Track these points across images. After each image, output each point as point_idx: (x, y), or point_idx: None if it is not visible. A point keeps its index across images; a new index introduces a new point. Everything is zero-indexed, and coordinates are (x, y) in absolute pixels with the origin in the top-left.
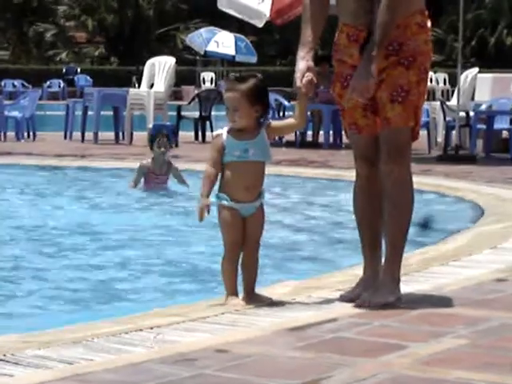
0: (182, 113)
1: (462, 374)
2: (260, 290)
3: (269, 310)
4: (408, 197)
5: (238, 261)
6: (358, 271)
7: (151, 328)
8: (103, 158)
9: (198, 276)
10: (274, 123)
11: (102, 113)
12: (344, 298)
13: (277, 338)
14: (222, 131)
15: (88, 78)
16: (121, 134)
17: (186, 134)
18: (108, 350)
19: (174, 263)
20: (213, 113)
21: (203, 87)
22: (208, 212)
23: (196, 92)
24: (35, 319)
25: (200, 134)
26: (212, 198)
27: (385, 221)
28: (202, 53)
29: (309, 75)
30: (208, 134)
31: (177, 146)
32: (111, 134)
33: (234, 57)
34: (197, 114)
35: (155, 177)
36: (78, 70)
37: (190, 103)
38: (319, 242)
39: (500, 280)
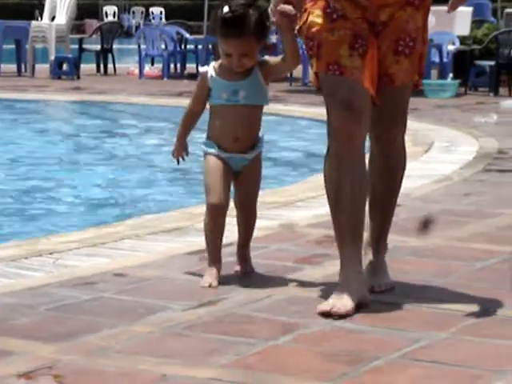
0: (84, 45)
1: None
2: (159, 215)
3: (167, 236)
4: (405, 163)
5: (221, 228)
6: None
7: (50, 253)
8: (6, 90)
9: (102, 202)
10: (272, 60)
11: (4, 46)
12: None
13: (175, 261)
14: (208, 68)
15: None
16: (23, 66)
17: (88, 67)
18: (7, 274)
19: (72, 190)
20: (114, 46)
21: (106, 20)
22: (183, 158)
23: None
24: None
25: (102, 66)
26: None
27: (376, 192)
28: None
29: (283, 7)
30: (110, 66)
31: (78, 78)
32: (13, 67)
33: None
34: (99, 47)
35: None
36: None
37: (91, 35)
38: None
39: None
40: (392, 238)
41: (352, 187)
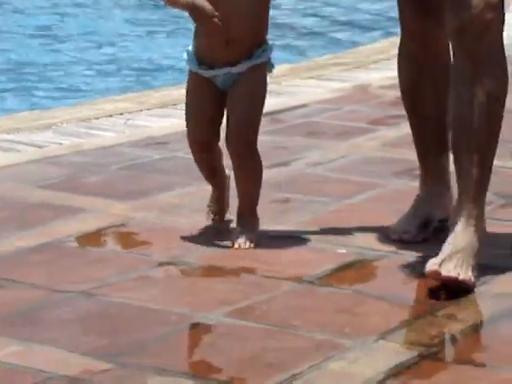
0: None
1: None
2: None
3: None
4: (505, 73)
5: (206, 165)
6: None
7: (121, 114)
8: None
9: (172, 64)
10: None
11: None
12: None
13: None
14: None
15: None
16: None
17: None
18: (77, 134)
19: (140, 53)
20: None
21: None
22: None
23: None
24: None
25: None
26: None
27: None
28: None
29: None
30: None
31: None
32: None
33: None
34: None
35: None
36: None
37: None
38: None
39: None
40: None
41: (436, 99)
